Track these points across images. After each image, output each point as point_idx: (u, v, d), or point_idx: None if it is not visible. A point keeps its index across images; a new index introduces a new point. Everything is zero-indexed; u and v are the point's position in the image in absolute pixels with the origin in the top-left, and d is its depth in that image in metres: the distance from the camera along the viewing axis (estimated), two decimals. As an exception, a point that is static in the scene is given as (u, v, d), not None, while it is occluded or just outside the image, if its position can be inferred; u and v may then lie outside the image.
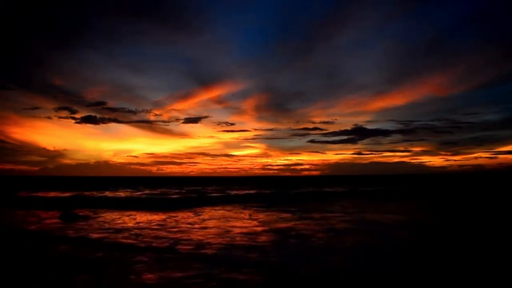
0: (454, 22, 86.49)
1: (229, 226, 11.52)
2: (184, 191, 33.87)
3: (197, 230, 10.90)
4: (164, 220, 13.46)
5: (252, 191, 33.61)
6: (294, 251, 7.95)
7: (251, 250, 7.96)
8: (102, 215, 14.91)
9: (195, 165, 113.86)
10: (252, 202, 22.06)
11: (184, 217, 14.33)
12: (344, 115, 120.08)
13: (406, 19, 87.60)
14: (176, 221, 13.17)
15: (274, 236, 9.88)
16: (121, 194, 30.21)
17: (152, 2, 75.98)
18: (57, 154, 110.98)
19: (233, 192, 32.38)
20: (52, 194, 29.00)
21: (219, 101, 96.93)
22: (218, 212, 16.43)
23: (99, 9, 75.94)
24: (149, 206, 19.45)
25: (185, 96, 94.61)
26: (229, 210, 17.22)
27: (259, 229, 11.13)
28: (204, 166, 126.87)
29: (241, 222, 12.72)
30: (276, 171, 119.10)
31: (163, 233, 10.25)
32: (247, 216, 14.68)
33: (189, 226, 11.75)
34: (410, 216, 14.84)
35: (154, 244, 8.47)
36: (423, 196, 28.49)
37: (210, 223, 12.48)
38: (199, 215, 15.24)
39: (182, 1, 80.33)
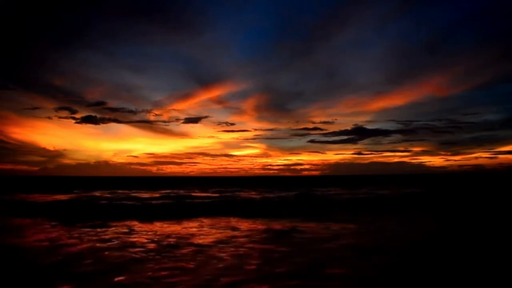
0: (454, 22, 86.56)
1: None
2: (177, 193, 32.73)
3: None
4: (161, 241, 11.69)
5: (256, 195, 31.76)
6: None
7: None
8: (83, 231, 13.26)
9: (195, 165, 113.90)
10: (261, 213, 18.52)
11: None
12: (344, 115, 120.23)
13: (406, 19, 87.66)
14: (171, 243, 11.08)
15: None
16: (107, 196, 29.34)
17: (152, 2, 75.55)
18: (57, 154, 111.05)
19: (238, 195, 30.19)
20: (50, 197, 28.27)
21: (219, 101, 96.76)
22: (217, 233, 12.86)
23: (99, 10, 75.57)
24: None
25: (185, 96, 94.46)
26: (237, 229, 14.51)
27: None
28: (204, 166, 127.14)
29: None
30: (276, 171, 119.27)
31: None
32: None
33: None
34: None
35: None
36: (444, 200, 26.04)
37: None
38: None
39: (182, 1, 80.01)
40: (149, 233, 11.97)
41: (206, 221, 15.02)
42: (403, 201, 25.29)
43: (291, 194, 30.25)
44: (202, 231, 12.37)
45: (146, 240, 10.48)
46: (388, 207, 21.35)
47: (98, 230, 12.47)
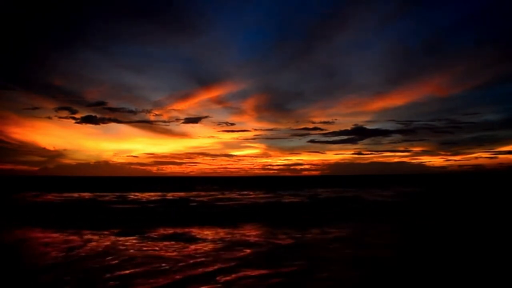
0: (453, 23, 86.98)
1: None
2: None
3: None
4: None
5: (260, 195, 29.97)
6: None
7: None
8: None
9: (195, 165, 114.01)
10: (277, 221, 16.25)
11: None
12: (344, 115, 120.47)
13: (405, 20, 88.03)
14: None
15: None
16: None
17: (152, 3, 75.51)
18: (57, 154, 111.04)
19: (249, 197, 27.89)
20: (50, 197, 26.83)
21: (219, 101, 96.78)
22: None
23: (99, 10, 75.60)
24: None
25: (185, 96, 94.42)
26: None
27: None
28: (204, 166, 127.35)
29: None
30: (276, 171, 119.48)
31: None
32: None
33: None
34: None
35: None
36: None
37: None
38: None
39: (183, 2, 79.97)
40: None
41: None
42: (410, 204, 24.32)
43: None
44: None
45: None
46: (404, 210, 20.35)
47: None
